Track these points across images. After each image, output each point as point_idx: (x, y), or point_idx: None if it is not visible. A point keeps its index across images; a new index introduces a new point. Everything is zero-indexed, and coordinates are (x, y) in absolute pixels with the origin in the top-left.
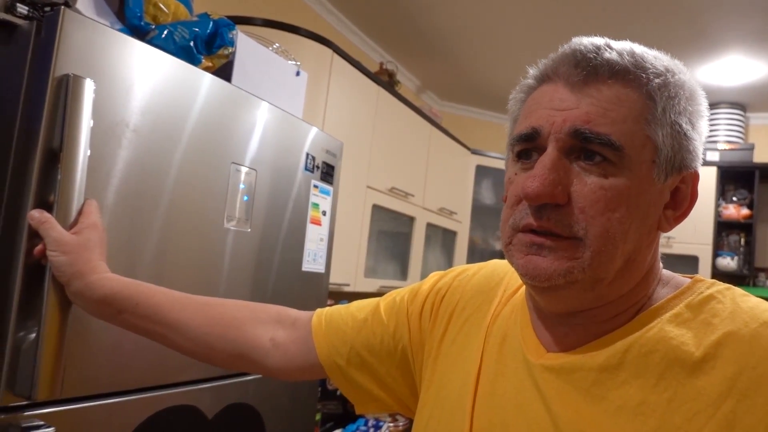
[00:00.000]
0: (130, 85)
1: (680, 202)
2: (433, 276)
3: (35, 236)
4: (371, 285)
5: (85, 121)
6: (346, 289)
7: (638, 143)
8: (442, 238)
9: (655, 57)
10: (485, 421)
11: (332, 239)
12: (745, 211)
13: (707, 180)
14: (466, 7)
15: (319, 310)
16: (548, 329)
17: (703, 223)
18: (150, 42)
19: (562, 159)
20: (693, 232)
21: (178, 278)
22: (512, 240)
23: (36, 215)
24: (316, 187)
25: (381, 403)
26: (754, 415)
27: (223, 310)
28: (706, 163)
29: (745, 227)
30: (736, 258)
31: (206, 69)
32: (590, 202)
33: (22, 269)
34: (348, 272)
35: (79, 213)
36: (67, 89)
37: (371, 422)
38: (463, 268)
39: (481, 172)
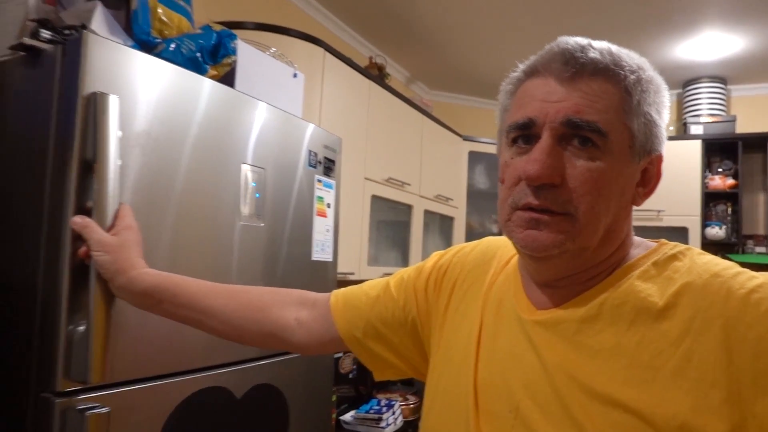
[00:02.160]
0: (149, 98)
1: (648, 180)
2: (435, 255)
3: (78, 239)
4: (375, 273)
5: (114, 134)
6: (351, 277)
7: (618, 131)
8: (439, 225)
9: (628, 55)
10: (487, 371)
11: (337, 229)
12: (730, 181)
13: (692, 153)
14: (447, 3)
15: (335, 291)
16: (538, 291)
17: (691, 195)
18: (159, 55)
19: (555, 146)
20: (681, 204)
21: (200, 273)
22: (511, 217)
23: (78, 221)
24: (319, 181)
25: (396, 369)
26: (706, 348)
27: (251, 296)
28: (690, 137)
29: (731, 197)
30: (724, 227)
31: (212, 77)
32: (580, 182)
33: (68, 269)
34: (352, 261)
35: (116, 216)
36: (96, 106)
37: (383, 402)
38: (460, 247)
39: (474, 157)
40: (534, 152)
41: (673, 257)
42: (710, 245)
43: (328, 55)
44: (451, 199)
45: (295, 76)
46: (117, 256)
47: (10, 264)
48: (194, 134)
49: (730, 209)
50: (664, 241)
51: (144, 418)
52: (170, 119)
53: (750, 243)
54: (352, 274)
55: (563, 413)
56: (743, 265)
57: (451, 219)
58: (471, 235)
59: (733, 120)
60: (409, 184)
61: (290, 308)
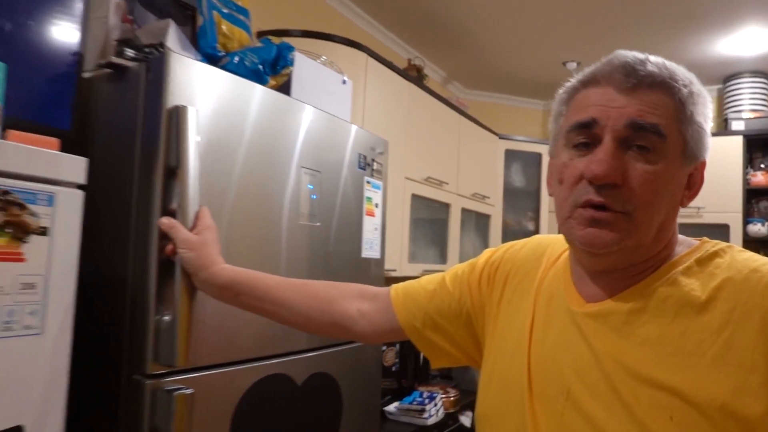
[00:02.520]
0: (220, 108)
1: (693, 184)
2: (486, 252)
3: (163, 238)
4: (415, 270)
5: (193, 142)
6: (393, 274)
7: (674, 137)
8: (475, 222)
9: (679, 69)
10: (539, 358)
11: (384, 228)
12: None
13: (734, 149)
14: (483, 4)
15: (394, 285)
16: (588, 285)
17: (732, 191)
18: (224, 67)
19: (617, 149)
20: (722, 200)
21: (263, 269)
22: (572, 214)
23: (165, 221)
24: (368, 182)
25: (452, 357)
26: (745, 338)
27: (318, 289)
28: (731, 133)
29: None
30: (767, 224)
31: (271, 87)
32: (639, 183)
33: (155, 265)
34: (394, 258)
35: (196, 217)
36: (178, 118)
37: (426, 394)
38: (511, 244)
39: (510, 155)
40: (598, 153)
41: (715, 254)
42: (752, 242)
43: (370, 60)
44: (488, 197)
45: (344, 82)
46: (200, 253)
47: (103, 261)
48: (258, 140)
49: None
50: (706, 239)
51: (220, 399)
52: (236, 127)
53: None
54: (394, 270)
55: (612, 395)
56: None
57: (487, 217)
58: (507, 232)
59: None
60: (447, 183)
61: (353, 300)
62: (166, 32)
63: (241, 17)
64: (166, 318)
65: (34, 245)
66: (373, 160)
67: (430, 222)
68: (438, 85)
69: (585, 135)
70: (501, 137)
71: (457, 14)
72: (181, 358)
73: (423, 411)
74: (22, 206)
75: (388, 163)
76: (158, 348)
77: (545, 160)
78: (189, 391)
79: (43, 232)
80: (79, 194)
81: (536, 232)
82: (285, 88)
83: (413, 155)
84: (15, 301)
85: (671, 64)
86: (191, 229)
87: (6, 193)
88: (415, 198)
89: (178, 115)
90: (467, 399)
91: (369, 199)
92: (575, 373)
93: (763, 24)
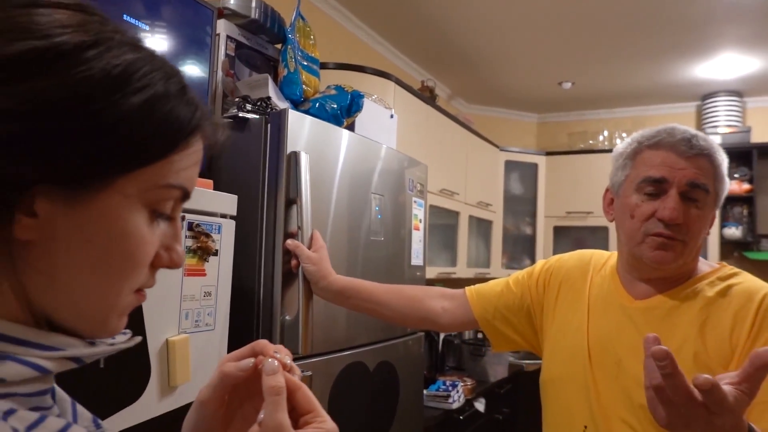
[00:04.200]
0: (320, 150)
1: (712, 221)
2: (540, 263)
3: (286, 254)
4: (432, 272)
5: (307, 180)
6: None
7: (713, 192)
8: (477, 227)
9: (714, 142)
10: (597, 338)
11: (426, 239)
12: (746, 186)
13: None
14: (489, 30)
15: (468, 287)
16: (636, 287)
17: None
18: (307, 111)
19: (680, 199)
20: None
21: (351, 274)
22: (644, 240)
23: (290, 243)
24: (415, 202)
25: (514, 343)
26: (744, 327)
27: (408, 292)
28: None
29: (746, 200)
30: (740, 227)
31: (344, 127)
32: (692, 223)
33: (281, 276)
34: None
35: (311, 238)
36: (296, 161)
37: (448, 383)
38: (559, 257)
39: (509, 166)
40: (669, 202)
41: (733, 274)
42: (728, 244)
43: (397, 87)
44: (491, 205)
45: (391, 117)
46: (319, 266)
47: (240, 274)
48: (344, 173)
49: (746, 211)
50: (724, 263)
51: (323, 380)
52: (330, 163)
53: (764, 242)
54: None
55: None
56: (758, 262)
57: (489, 222)
58: (507, 236)
59: (748, 131)
60: (457, 194)
61: (436, 300)
62: (265, 86)
63: (314, 66)
64: (288, 318)
65: (211, 263)
66: (419, 183)
67: (441, 228)
68: (444, 101)
69: (654, 187)
70: (501, 149)
71: (464, 39)
72: (303, 347)
73: (448, 397)
74: (207, 235)
75: (427, 184)
76: (284, 340)
77: (541, 170)
78: (308, 373)
79: (215, 253)
80: (233, 223)
81: (533, 236)
82: (351, 125)
83: (430, 169)
84: (201, 305)
85: (709, 138)
86: (309, 248)
87: (197, 225)
88: (432, 208)
89: (296, 159)
90: (481, 387)
91: (415, 215)
92: (627, 349)
93: (738, 51)
